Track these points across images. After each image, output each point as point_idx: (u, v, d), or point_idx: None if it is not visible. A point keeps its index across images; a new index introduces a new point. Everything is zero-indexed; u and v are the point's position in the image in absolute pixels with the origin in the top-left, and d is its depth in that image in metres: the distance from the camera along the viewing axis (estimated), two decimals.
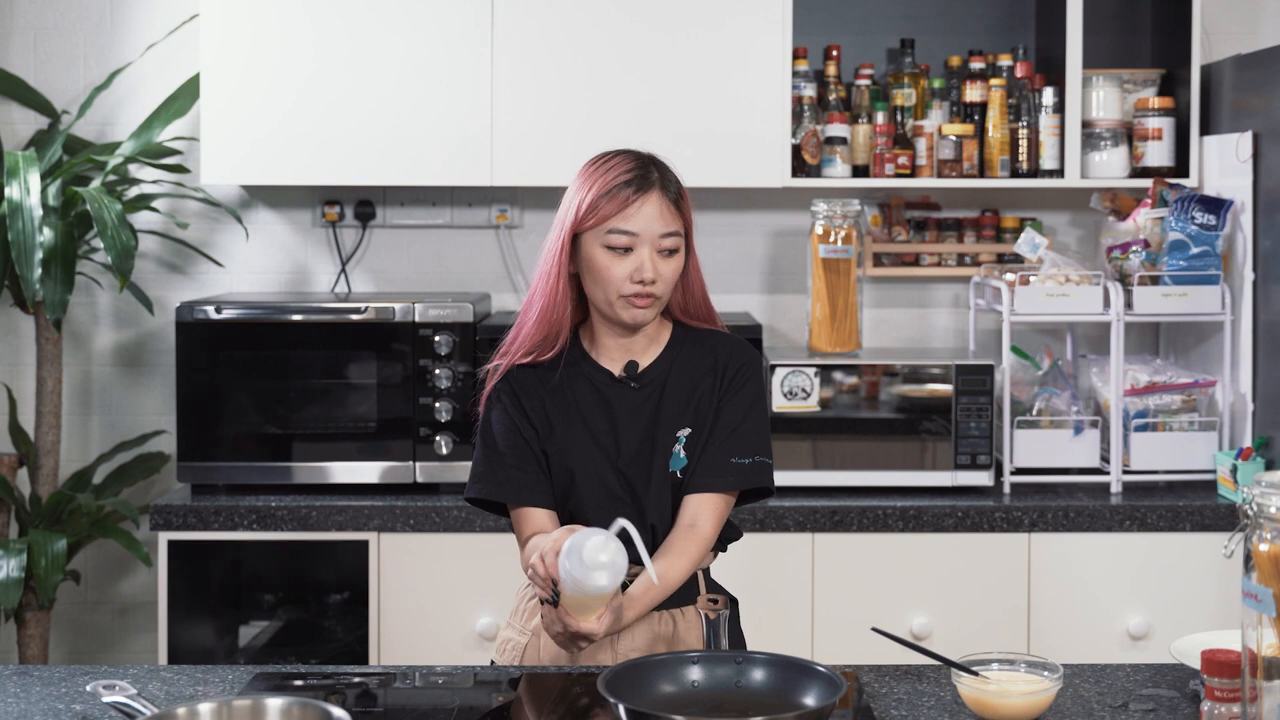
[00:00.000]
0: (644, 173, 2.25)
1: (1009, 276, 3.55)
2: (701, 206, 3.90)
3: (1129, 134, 3.70)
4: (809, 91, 3.67)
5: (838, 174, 3.67)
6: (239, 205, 3.89)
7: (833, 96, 3.69)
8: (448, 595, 3.31)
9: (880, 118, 3.68)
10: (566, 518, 2.29)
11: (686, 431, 2.28)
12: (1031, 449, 3.49)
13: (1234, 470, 3.34)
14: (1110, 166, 3.68)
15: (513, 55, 3.55)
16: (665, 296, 2.27)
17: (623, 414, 2.29)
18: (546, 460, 2.29)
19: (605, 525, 2.04)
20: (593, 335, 2.32)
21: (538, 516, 2.27)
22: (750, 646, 2.41)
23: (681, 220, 2.28)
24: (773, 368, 3.43)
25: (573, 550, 1.98)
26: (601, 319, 2.29)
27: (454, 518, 3.29)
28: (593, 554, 1.97)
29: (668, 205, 2.25)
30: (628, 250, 2.22)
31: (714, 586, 2.37)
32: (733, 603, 2.34)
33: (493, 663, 2.37)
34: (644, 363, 2.32)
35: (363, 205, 3.89)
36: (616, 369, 2.31)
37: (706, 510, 2.27)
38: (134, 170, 3.84)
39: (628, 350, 2.31)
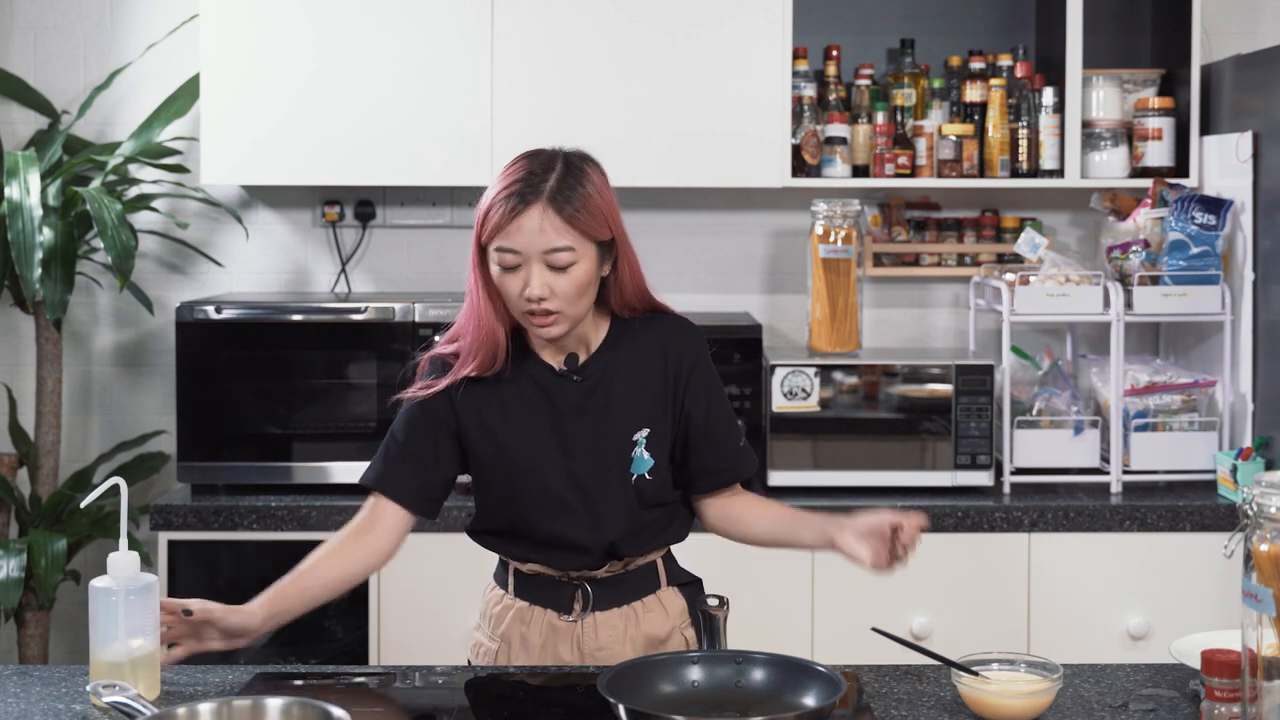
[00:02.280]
0: (530, 183, 2.11)
1: (1009, 276, 3.55)
2: (702, 206, 3.92)
3: (1129, 134, 3.70)
4: (809, 91, 3.67)
5: (838, 174, 3.67)
6: (239, 205, 3.89)
7: (833, 96, 3.69)
8: (448, 595, 3.31)
9: (880, 118, 3.68)
10: (510, 521, 2.25)
11: (645, 432, 2.23)
12: (1031, 449, 3.49)
13: (1234, 470, 3.34)
14: (1110, 166, 3.68)
15: (513, 55, 3.55)
16: (572, 309, 2.14)
17: (566, 410, 2.22)
18: (462, 459, 2.26)
19: (553, 528, 2.20)
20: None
21: (392, 512, 2.25)
22: (750, 646, 2.41)
23: (575, 232, 2.10)
24: (773, 368, 3.43)
25: None
26: None
27: (454, 518, 3.29)
28: None
29: (552, 218, 2.09)
30: (515, 267, 2.11)
31: (677, 576, 2.35)
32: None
33: (469, 662, 2.37)
34: (583, 356, 2.24)
35: (363, 205, 3.89)
36: (557, 364, 2.24)
37: (742, 491, 2.36)
38: (134, 170, 3.84)
39: (563, 346, 2.23)
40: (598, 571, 2.25)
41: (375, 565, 2.28)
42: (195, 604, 2.10)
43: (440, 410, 2.24)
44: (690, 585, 2.38)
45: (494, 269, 2.14)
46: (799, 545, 2.36)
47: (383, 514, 2.25)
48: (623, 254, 2.19)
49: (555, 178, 2.13)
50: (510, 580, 2.30)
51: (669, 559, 2.37)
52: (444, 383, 2.23)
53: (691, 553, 3.34)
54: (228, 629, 2.11)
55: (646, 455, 2.23)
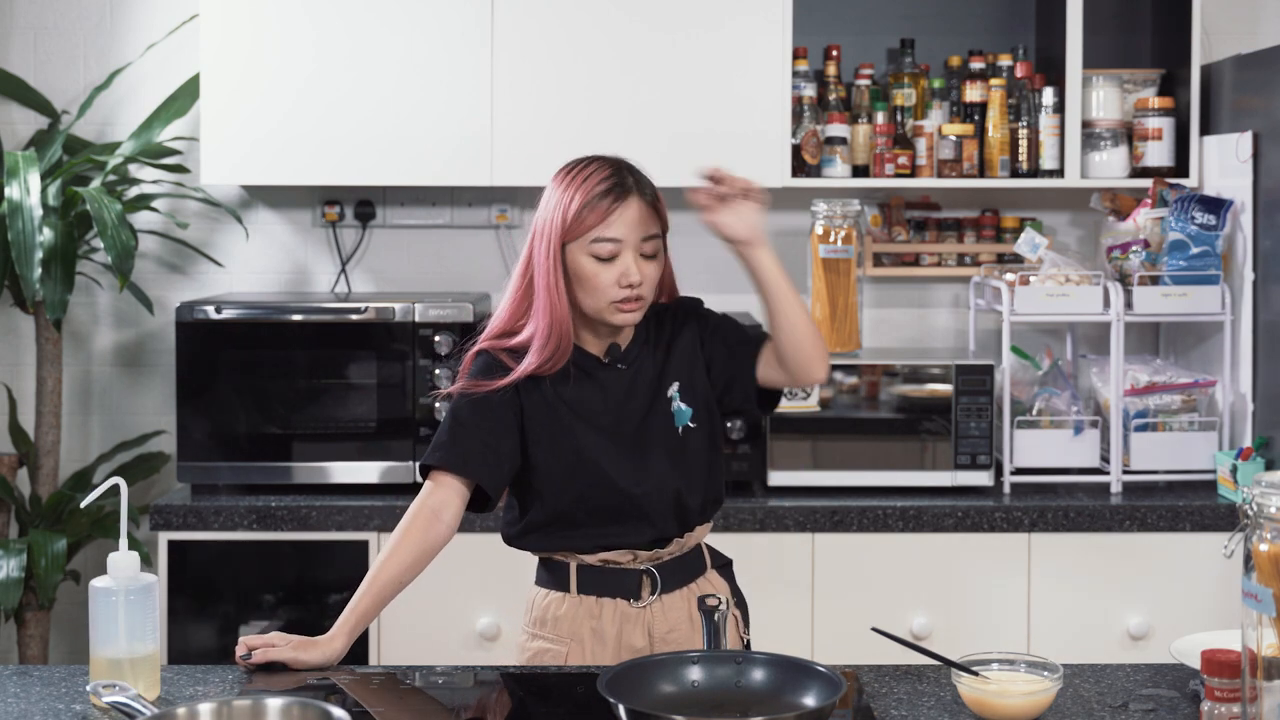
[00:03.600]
0: (620, 179, 2.30)
1: (1009, 276, 3.55)
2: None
3: (1129, 134, 3.70)
4: (809, 91, 3.67)
5: (838, 174, 3.67)
6: (239, 205, 3.89)
7: (833, 96, 3.69)
8: (448, 595, 3.31)
9: (880, 118, 3.68)
10: (575, 516, 2.30)
11: (676, 385, 2.35)
12: (1031, 449, 3.49)
13: (1234, 470, 3.34)
14: (1110, 166, 3.68)
15: (513, 55, 3.55)
16: (650, 296, 2.31)
17: (620, 396, 2.33)
18: (525, 452, 2.30)
19: (624, 507, 2.27)
20: (575, 325, 2.34)
21: (452, 488, 2.28)
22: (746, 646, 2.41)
23: (659, 222, 2.32)
24: None
25: None
26: (584, 319, 2.32)
27: None
28: None
29: (646, 209, 2.29)
30: (612, 257, 2.26)
31: (717, 558, 2.42)
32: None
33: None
34: (623, 344, 2.36)
35: (363, 205, 3.89)
36: (599, 353, 2.34)
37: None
38: (134, 170, 3.84)
39: (609, 336, 2.35)
40: (664, 552, 2.32)
41: (439, 551, 2.31)
42: (264, 642, 2.18)
43: (507, 404, 2.29)
44: (727, 567, 2.45)
45: (585, 262, 2.26)
46: (766, 296, 2.40)
47: (449, 498, 2.28)
48: (667, 257, 2.38)
49: (635, 174, 2.33)
50: (572, 578, 2.31)
51: (711, 548, 2.44)
52: (510, 378, 2.28)
53: None
54: (308, 667, 2.17)
55: (684, 406, 2.34)
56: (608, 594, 2.30)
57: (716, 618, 2.08)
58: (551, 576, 2.34)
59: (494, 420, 2.28)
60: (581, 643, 2.30)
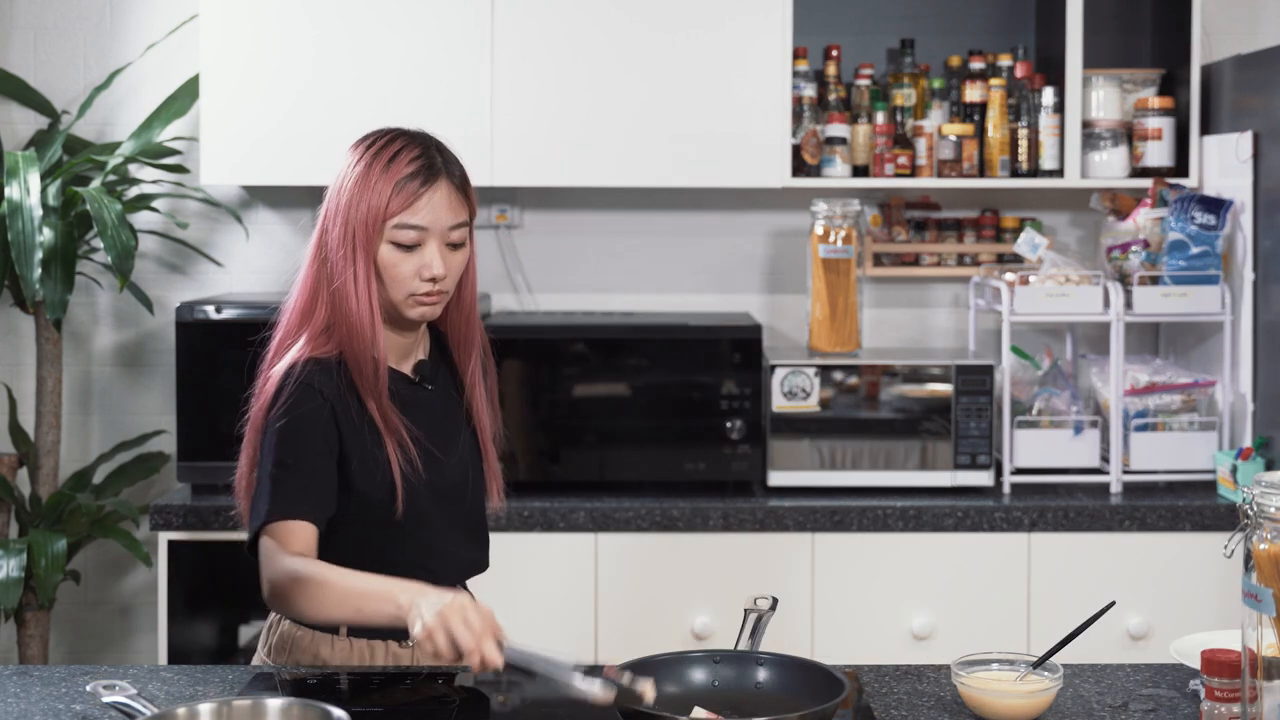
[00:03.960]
0: (430, 160, 2.11)
1: (1009, 276, 3.55)
2: (702, 206, 3.92)
3: (1129, 134, 3.70)
4: (809, 91, 3.67)
5: (838, 174, 3.67)
6: (239, 205, 3.89)
7: (833, 96, 3.69)
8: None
9: (880, 118, 3.68)
10: (375, 548, 2.13)
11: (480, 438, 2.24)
12: (1031, 449, 3.49)
13: (1234, 470, 3.34)
14: (1110, 166, 3.68)
15: (513, 55, 3.55)
16: (451, 292, 2.15)
17: (428, 419, 2.15)
18: (343, 474, 2.10)
19: (436, 542, 2.13)
20: None
21: (306, 535, 2.04)
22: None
23: (468, 207, 2.15)
24: (773, 368, 3.43)
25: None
26: (390, 320, 2.14)
27: None
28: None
29: (455, 194, 2.12)
30: (414, 246, 2.09)
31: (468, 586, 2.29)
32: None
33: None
34: (425, 357, 2.23)
35: None
36: (406, 370, 2.19)
37: None
38: (134, 170, 3.84)
39: (409, 350, 2.19)
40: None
41: None
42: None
43: (327, 429, 2.08)
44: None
45: (384, 250, 2.08)
46: None
47: (307, 547, 2.04)
48: (471, 251, 2.18)
49: (444, 154, 2.15)
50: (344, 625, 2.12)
51: None
52: (326, 394, 2.08)
53: (694, 552, 3.35)
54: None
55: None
56: (379, 637, 2.15)
57: (763, 620, 2.06)
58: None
59: (323, 455, 2.07)
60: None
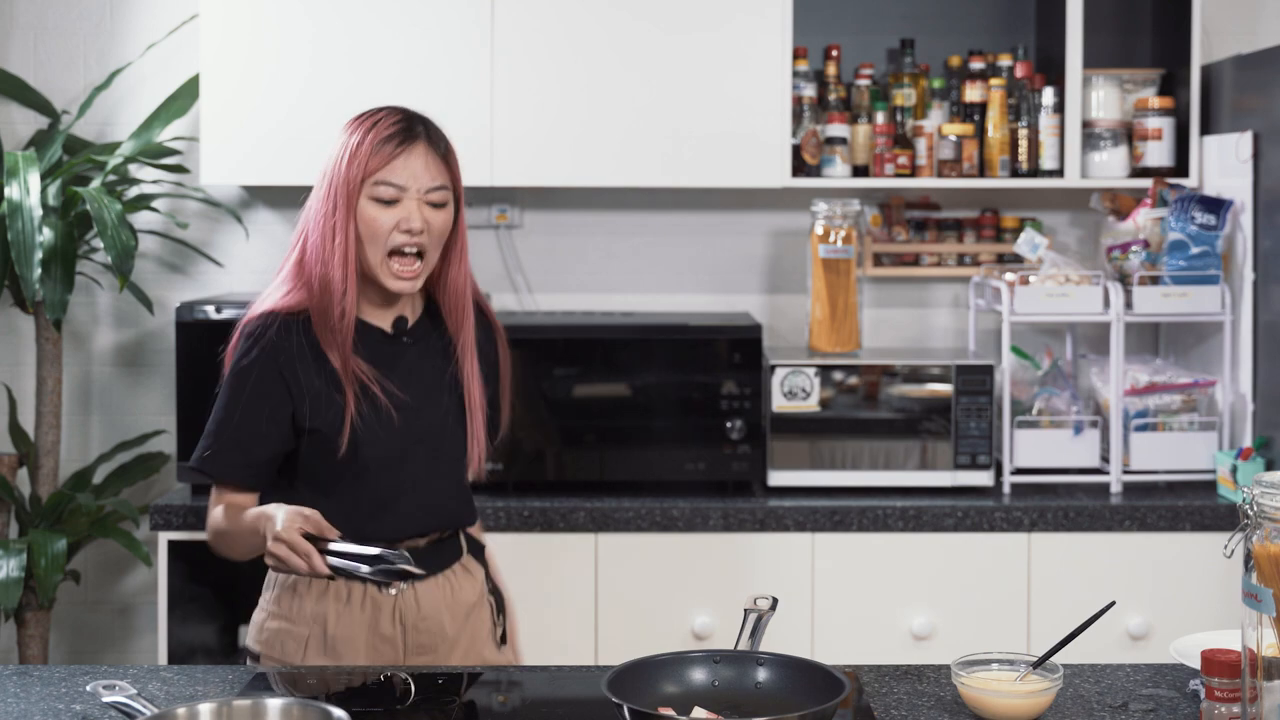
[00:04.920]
0: (409, 126, 2.26)
1: (1009, 276, 3.55)
2: (702, 206, 3.92)
3: (1129, 134, 3.70)
4: (809, 91, 3.67)
5: (838, 174, 3.67)
6: (239, 205, 3.89)
7: (833, 96, 3.70)
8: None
9: (880, 118, 3.68)
10: (341, 493, 2.26)
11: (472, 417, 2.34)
12: (1031, 449, 3.49)
13: (1234, 470, 3.34)
14: (1110, 166, 3.68)
15: (513, 55, 3.55)
16: (432, 257, 2.26)
17: (401, 372, 2.29)
18: (304, 431, 2.25)
19: (398, 491, 2.25)
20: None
21: (239, 496, 2.28)
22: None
23: (449, 175, 2.28)
24: (773, 368, 3.43)
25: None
26: (365, 282, 2.28)
27: None
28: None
29: (436, 160, 2.26)
30: (393, 202, 2.22)
31: (471, 544, 2.41)
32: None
33: (252, 648, 2.32)
34: (411, 319, 2.34)
35: None
36: (385, 325, 2.31)
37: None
38: (134, 170, 3.84)
39: (389, 306, 2.32)
40: (421, 540, 2.29)
41: None
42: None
43: (269, 379, 2.26)
44: (481, 550, 2.45)
45: (366, 206, 2.22)
46: None
47: (234, 496, 2.28)
48: (461, 226, 2.32)
49: (428, 125, 2.29)
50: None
51: (470, 537, 2.45)
52: (275, 344, 2.27)
53: (694, 552, 3.35)
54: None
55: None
56: (357, 578, 2.21)
57: (763, 620, 2.07)
58: None
59: (268, 405, 2.25)
60: (324, 625, 2.25)
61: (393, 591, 2.26)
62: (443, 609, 2.30)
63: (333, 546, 2.06)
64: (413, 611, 2.27)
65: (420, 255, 2.25)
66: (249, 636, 2.34)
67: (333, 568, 2.04)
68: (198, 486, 3.43)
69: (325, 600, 2.26)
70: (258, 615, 2.33)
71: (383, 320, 2.31)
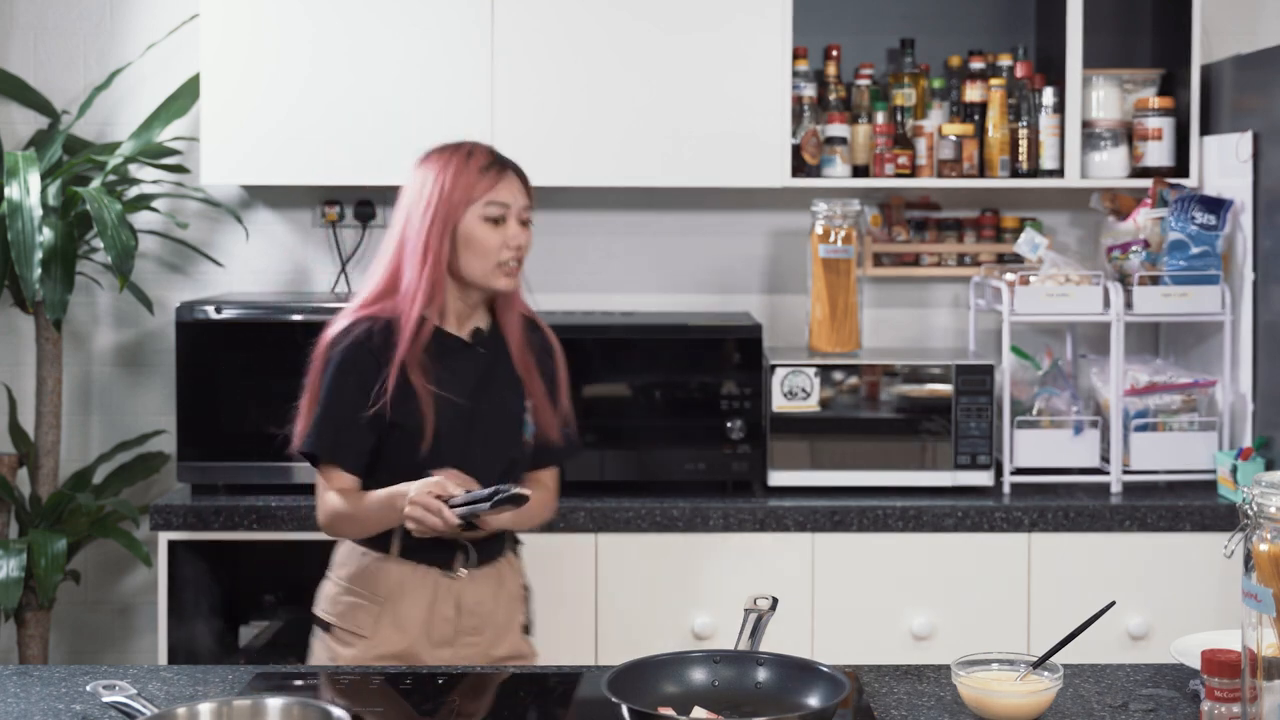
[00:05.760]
0: (499, 155, 2.55)
1: (1009, 276, 3.55)
2: (702, 206, 3.92)
3: (1129, 134, 3.70)
4: (809, 91, 3.67)
5: (838, 174, 3.67)
6: (239, 205, 3.89)
7: (833, 96, 3.70)
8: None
9: (880, 118, 3.68)
10: (420, 462, 2.45)
11: (530, 403, 2.56)
12: (1031, 449, 3.49)
13: (1234, 470, 3.34)
14: (1110, 166, 3.68)
15: (513, 55, 3.55)
16: (522, 267, 2.55)
17: (475, 379, 2.51)
18: (387, 424, 2.46)
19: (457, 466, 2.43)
20: (442, 307, 2.52)
21: (347, 479, 2.49)
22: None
23: (530, 197, 2.57)
24: (773, 368, 3.43)
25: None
26: (457, 290, 2.52)
27: None
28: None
29: (521, 182, 2.55)
30: (500, 220, 2.49)
31: (512, 536, 2.63)
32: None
33: (325, 618, 2.52)
34: (484, 326, 2.58)
35: (363, 205, 3.89)
36: (463, 334, 2.54)
37: (550, 476, 2.66)
38: (134, 170, 3.84)
39: (471, 317, 2.56)
40: (479, 531, 2.47)
41: None
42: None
43: (367, 374, 2.46)
44: (519, 544, 2.66)
45: (477, 227, 2.48)
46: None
47: (343, 479, 2.51)
48: None
49: (504, 157, 2.57)
50: (395, 543, 2.47)
51: (515, 536, 2.66)
52: (370, 345, 2.47)
53: (694, 552, 3.35)
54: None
55: (530, 422, 2.58)
56: (424, 561, 2.47)
57: (763, 620, 2.07)
58: (373, 537, 2.48)
59: (365, 396, 2.45)
60: (396, 603, 2.46)
61: (453, 574, 2.47)
62: (491, 597, 2.51)
63: (455, 501, 2.31)
64: (469, 596, 2.48)
65: (519, 263, 2.53)
66: (319, 606, 2.54)
67: (460, 516, 2.30)
68: (198, 486, 3.43)
69: (396, 580, 2.47)
70: (330, 588, 2.53)
71: (462, 330, 2.55)
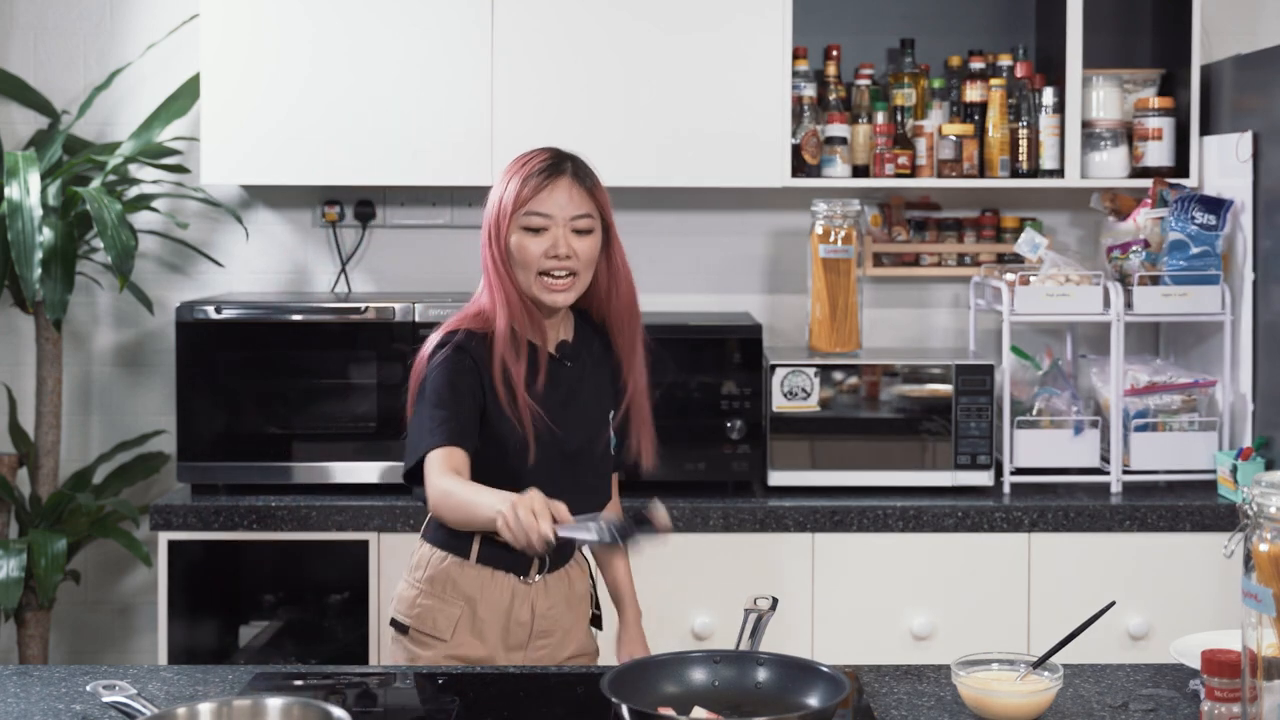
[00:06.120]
0: (557, 162, 2.46)
1: (1009, 276, 3.55)
2: (702, 206, 3.92)
3: (1129, 134, 3.70)
4: (809, 91, 3.67)
5: (838, 174, 3.67)
6: (239, 205, 3.89)
7: (833, 96, 3.70)
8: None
9: (880, 118, 3.68)
10: (516, 477, 2.36)
11: (612, 414, 2.53)
12: (1031, 449, 3.49)
13: (1234, 470, 3.34)
14: (1110, 166, 3.68)
15: (513, 55, 3.55)
16: (584, 277, 2.45)
17: (565, 391, 2.47)
18: (483, 423, 2.41)
19: (549, 485, 2.27)
20: (531, 321, 2.46)
21: (461, 458, 2.35)
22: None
23: (594, 204, 2.45)
24: (773, 368, 3.43)
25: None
26: (535, 305, 2.45)
27: None
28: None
29: (580, 191, 2.44)
30: (541, 230, 2.40)
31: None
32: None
33: (401, 622, 2.46)
34: (569, 339, 2.52)
35: (363, 205, 3.89)
36: (550, 348, 2.48)
37: (614, 485, 2.63)
38: (134, 170, 3.84)
39: (553, 330, 2.49)
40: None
41: None
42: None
43: (473, 381, 2.40)
44: (580, 547, 2.61)
45: (516, 236, 2.41)
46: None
47: (463, 465, 2.36)
48: (615, 248, 2.51)
49: (576, 162, 2.48)
50: (474, 548, 2.43)
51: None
52: (474, 356, 2.40)
53: (694, 552, 3.35)
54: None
55: (613, 434, 2.54)
56: (502, 568, 2.42)
57: (763, 620, 2.07)
58: (452, 541, 2.43)
59: (473, 394, 2.40)
60: (474, 607, 2.42)
61: (529, 580, 2.44)
62: (563, 600, 2.49)
63: (563, 529, 2.14)
64: (542, 601, 2.45)
65: (573, 274, 2.42)
66: (396, 609, 2.48)
67: (559, 537, 2.13)
68: (198, 486, 3.43)
69: (475, 585, 2.42)
70: (407, 591, 2.48)
71: (550, 344, 2.49)
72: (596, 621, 2.62)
